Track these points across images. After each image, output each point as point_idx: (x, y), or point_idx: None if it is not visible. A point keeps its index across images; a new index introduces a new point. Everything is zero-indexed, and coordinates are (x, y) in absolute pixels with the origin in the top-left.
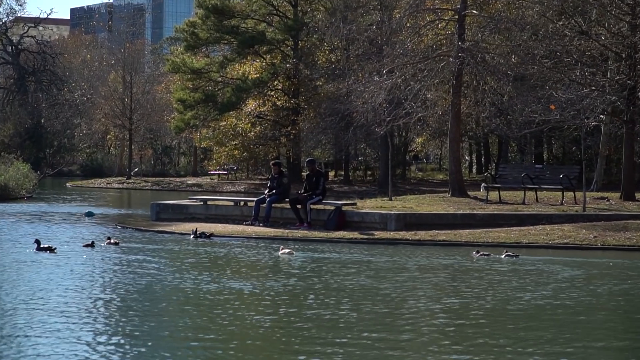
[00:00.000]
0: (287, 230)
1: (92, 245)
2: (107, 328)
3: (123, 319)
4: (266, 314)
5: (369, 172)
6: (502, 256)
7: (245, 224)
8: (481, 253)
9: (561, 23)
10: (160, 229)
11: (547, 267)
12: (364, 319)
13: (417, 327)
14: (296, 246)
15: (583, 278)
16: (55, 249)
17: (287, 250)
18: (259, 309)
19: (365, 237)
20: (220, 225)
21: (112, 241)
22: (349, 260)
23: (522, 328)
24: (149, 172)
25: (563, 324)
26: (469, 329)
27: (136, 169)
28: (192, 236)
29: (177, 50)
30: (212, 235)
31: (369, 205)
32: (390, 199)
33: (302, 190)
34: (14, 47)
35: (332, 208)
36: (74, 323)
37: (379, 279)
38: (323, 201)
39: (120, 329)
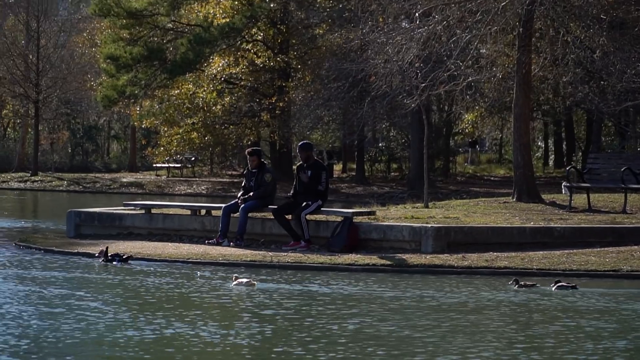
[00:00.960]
0: (271, 253)
1: None
2: None
3: None
4: None
5: (394, 166)
6: (553, 288)
7: (209, 243)
8: (522, 283)
9: None
10: (80, 249)
11: None
12: None
13: None
14: (274, 275)
15: None
16: None
17: (244, 280)
18: None
19: (389, 263)
20: (170, 244)
21: None
22: (354, 296)
23: None
24: (65, 165)
25: None
26: None
27: None
28: (101, 259)
29: None
30: (129, 258)
31: (395, 215)
32: (427, 206)
33: (292, 192)
34: None
35: (339, 219)
36: None
37: (391, 322)
38: (324, 208)
39: None
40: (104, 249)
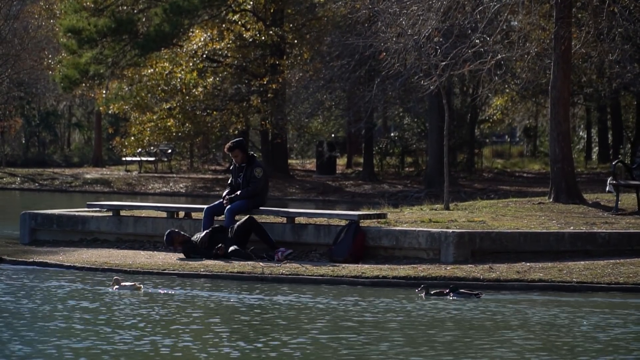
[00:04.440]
0: (262, 263)
1: None
2: None
3: None
4: None
5: (409, 160)
6: (450, 297)
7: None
8: (434, 291)
9: None
10: (36, 258)
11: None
12: None
13: None
14: (265, 290)
15: None
16: None
17: (127, 284)
18: None
19: (402, 275)
20: (143, 253)
21: None
22: (363, 316)
23: None
24: (18, 159)
25: None
26: None
27: None
28: None
29: None
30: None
31: (409, 219)
32: (447, 208)
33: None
34: None
35: (343, 223)
36: None
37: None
38: (324, 212)
39: None
40: None
